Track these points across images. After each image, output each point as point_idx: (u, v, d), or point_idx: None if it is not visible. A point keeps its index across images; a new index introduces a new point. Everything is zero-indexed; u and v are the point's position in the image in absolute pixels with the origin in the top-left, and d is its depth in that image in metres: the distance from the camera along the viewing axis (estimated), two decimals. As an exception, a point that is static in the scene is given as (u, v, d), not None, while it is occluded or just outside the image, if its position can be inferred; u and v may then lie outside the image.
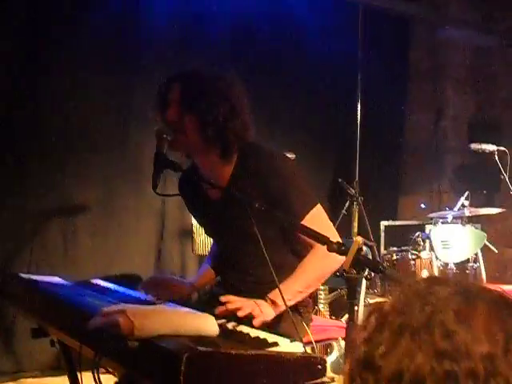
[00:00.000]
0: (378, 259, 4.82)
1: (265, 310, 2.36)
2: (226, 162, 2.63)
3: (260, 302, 2.39)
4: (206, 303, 2.59)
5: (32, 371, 4.68)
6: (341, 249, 1.89)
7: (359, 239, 1.82)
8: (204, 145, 2.56)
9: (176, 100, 2.56)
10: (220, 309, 2.31)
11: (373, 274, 1.96)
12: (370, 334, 0.97)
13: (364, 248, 1.93)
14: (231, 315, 2.30)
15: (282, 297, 2.22)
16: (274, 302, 2.40)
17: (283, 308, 2.36)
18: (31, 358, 4.65)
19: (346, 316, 4.26)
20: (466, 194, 5.18)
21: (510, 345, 0.89)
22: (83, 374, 2.69)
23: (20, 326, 4.52)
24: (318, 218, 2.53)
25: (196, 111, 2.52)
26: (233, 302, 2.35)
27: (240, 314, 2.27)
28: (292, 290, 2.45)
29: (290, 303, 2.39)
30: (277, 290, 2.31)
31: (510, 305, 0.96)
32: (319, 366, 1.92)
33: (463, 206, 5.15)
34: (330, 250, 1.93)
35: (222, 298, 2.37)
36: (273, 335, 2.12)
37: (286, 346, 2.00)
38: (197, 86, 2.55)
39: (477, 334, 0.89)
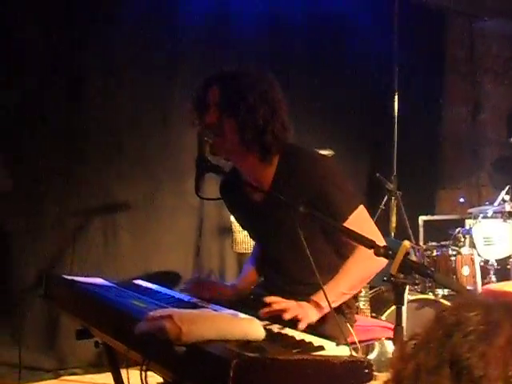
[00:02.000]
0: (423, 261, 4.77)
1: (309, 312, 2.35)
2: (267, 164, 2.62)
3: (304, 303, 2.39)
4: (248, 304, 2.59)
5: (73, 369, 4.73)
6: (388, 253, 1.88)
7: (407, 243, 1.80)
8: (244, 147, 2.56)
9: (215, 103, 2.55)
10: (264, 310, 2.31)
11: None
12: (395, 374, 0.98)
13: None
14: (276, 316, 2.30)
15: (327, 298, 2.21)
16: (318, 304, 2.39)
17: (327, 310, 2.36)
18: (73, 356, 4.70)
19: (387, 313, 4.27)
20: (507, 188, 5.11)
21: None
22: (130, 371, 2.73)
23: (63, 324, 4.58)
24: (361, 219, 2.52)
25: (235, 114, 2.51)
26: (277, 303, 2.34)
27: (286, 316, 2.27)
28: (336, 292, 2.44)
29: (334, 305, 2.38)
30: (321, 291, 2.30)
31: None
32: (366, 370, 1.91)
33: (504, 200, 5.09)
34: (377, 254, 1.92)
35: (267, 299, 2.36)
36: (318, 338, 2.11)
37: (332, 349, 1.99)
38: (235, 89, 2.53)
39: (491, 370, 0.87)
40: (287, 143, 2.61)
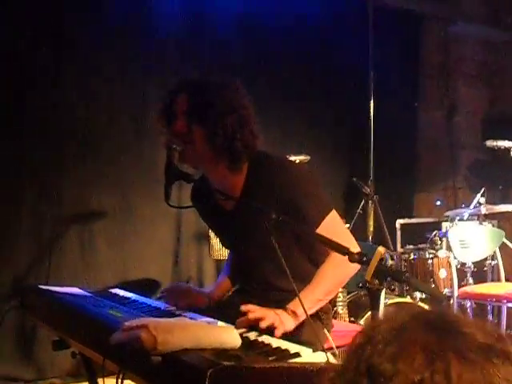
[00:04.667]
0: (397, 264, 4.80)
1: (285, 320, 2.35)
2: (236, 172, 2.61)
3: (280, 311, 2.38)
4: (225, 312, 2.59)
5: (52, 378, 4.70)
6: (362, 259, 1.88)
7: (381, 249, 1.81)
8: (213, 155, 2.55)
9: (183, 111, 2.54)
10: (241, 320, 2.30)
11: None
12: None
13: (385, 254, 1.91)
14: (252, 325, 2.30)
15: (303, 306, 2.22)
16: (294, 312, 2.39)
17: (304, 317, 2.36)
18: (51, 366, 4.67)
19: (365, 318, 4.28)
20: (482, 190, 5.15)
21: (434, 364, 0.88)
22: (106, 380, 2.71)
23: (40, 335, 4.54)
24: (333, 225, 2.51)
25: (204, 122, 2.50)
26: (253, 311, 2.34)
27: (262, 324, 2.27)
28: (312, 299, 2.44)
29: (310, 312, 2.38)
30: (297, 299, 2.30)
31: (439, 322, 0.95)
32: (343, 376, 1.91)
33: (479, 203, 5.12)
34: (351, 260, 1.92)
35: (243, 308, 2.36)
36: (295, 345, 2.12)
37: (308, 356, 2.00)
38: (204, 97, 2.52)
39: (399, 366, 0.89)
40: (256, 150, 2.60)
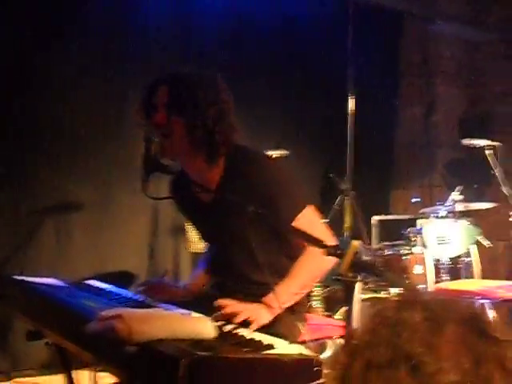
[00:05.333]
0: (372, 259, 4.83)
1: (261, 314, 2.36)
2: (213, 165, 2.62)
3: (256, 305, 2.40)
4: (201, 304, 2.59)
5: (27, 370, 4.68)
6: (337, 252, 1.90)
7: (356, 243, 1.83)
8: (191, 148, 2.56)
9: (163, 104, 2.55)
10: (216, 314, 2.31)
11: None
12: (341, 371, 0.97)
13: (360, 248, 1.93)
14: (228, 320, 2.31)
15: (278, 300, 2.23)
16: (269, 305, 2.41)
17: (279, 311, 2.38)
18: (26, 357, 4.65)
19: (340, 311, 4.32)
20: (458, 188, 5.19)
21: (479, 370, 0.88)
22: (79, 372, 2.72)
23: (15, 326, 4.52)
24: (308, 220, 2.52)
25: (184, 115, 2.52)
26: (229, 306, 2.35)
27: (237, 319, 2.28)
28: (287, 293, 2.46)
29: (286, 305, 2.40)
30: (272, 292, 2.32)
31: (479, 324, 0.94)
32: (316, 368, 1.93)
33: (455, 200, 5.16)
34: (326, 254, 1.94)
35: (217, 303, 2.37)
36: (269, 337, 2.14)
37: (282, 348, 2.01)
38: (184, 89, 2.54)
39: (444, 364, 0.88)
40: (234, 144, 2.62)
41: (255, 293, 2.56)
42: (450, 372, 0.87)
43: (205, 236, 2.99)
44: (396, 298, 1.05)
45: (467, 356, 0.89)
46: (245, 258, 2.61)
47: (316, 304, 4.26)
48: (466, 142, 5.04)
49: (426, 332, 0.92)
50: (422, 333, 0.92)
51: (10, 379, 4.58)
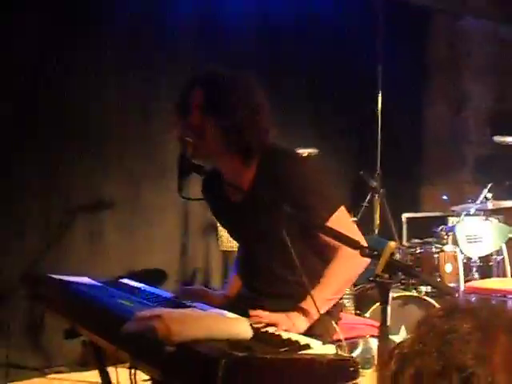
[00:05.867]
0: (406, 259, 4.81)
1: (297, 323, 2.34)
2: (248, 165, 2.62)
3: (291, 314, 2.38)
4: (235, 305, 2.60)
5: (60, 367, 4.74)
6: (373, 254, 1.91)
7: (392, 244, 1.83)
8: (225, 149, 2.57)
9: (198, 105, 2.56)
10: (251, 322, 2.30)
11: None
12: (392, 378, 0.96)
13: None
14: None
15: (316, 307, 2.23)
16: (305, 312, 2.39)
17: (315, 317, 2.37)
18: (59, 354, 4.71)
19: (371, 311, 4.31)
20: (489, 186, 5.16)
21: None
22: (114, 369, 2.75)
23: (48, 323, 4.59)
24: (341, 221, 2.49)
25: (217, 116, 2.52)
26: (263, 317, 2.33)
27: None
28: (322, 299, 2.43)
29: (321, 311, 2.38)
30: (308, 299, 2.31)
31: None
32: (352, 368, 1.94)
33: (486, 198, 5.13)
34: (362, 255, 1.94)
35: (252, 313, 2.35)
36: (304, 337, 2.15)
37: (318, 348, 2.02)
38: (218, 91, 2.55)
39: (496, 376, 0.88)
40: (268, 143, 2.62)
41: (286, 292, 2.57)
42: (504, 380, 0.87)
43: (235, 236, 2.99)
44: (443, 305, 1.04)
45: None
46: (277, 257, 2.60)
47: (347, 302, 4.25)
48: (499, 139, 5.00)
49: (477, 342, 0.91)
50: (473, 343, 0.91)
51: (45, 376, 4.65)
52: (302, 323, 2.37)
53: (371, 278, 1.88)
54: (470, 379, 0.89)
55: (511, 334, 0.93)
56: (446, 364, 0.91)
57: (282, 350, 1.97)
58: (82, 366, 4.69)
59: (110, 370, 2.92)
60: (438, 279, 4.77)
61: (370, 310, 4.34)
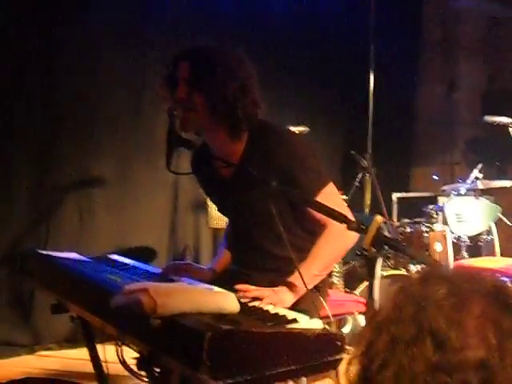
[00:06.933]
0: (395, 235, 4.82)
1: (284, 298, 2.35)
2: (236, 139, 2.62)
3: (278, 289, 2.38)
4: (222, 280, 2.60)
5: (49, 344, 4.74)
6: (360, 228, 1.90)
7: (379, 218, 1.83)
8: (213, 122, 2.56)
9: (185, 78, 2.54)
10: (239, 296, 2.29)
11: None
12: (366, 346, 0.96)
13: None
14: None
15: (303, 281, 2.23)
16: (292, 286, 2.39)
17: (302, 292, 2.37)
18: (48, 331, 4.71)
19: (360, 289, 4.32)
20: (479, 166, 5.16)
21: (505, 344, 0.87)
22: (103, 345, 2.75)
23: (37, 300, 4.58)
24: (330, 197, 2.49)
25: (205, 89, 2.51)
26: (250, 291, 2.34)
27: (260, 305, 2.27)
28: (309, 274, 2.43)
29: (309, 286, 2.38)
30: (296, 273, 2.31)
31: (504, 297, 0.94)
32: (338, 343, 1.95)
33: (476, 178, 5.13)
34: (349, 228, 1.94)
35: (238, 287, 2.36)
36: (292, 312, 2.15)
37: (305, 322, 2.03)
38: (206, 64, 2.53)
39: (469, 339, 0.88)
40: (257, 119, 2.61)
41: (275, 267, 2.58)
42: (476, 347, 0.87)
43: (225, 210, 2.99)
44: (420, 274, 1.03)
45: (492, 331, 0.88)
46: (266, 232, 2.61)
47: (336, 280, 4.26)
48: (489, 119, 4.99)
49: (450, 307, 0.91)
50: (446, 308, 0.91)
51: (33, 353, 4.65)
52: (289, 297, 2.38)
53: (358, 252, 1.87)
54: (444, 343, 0.89)
55: (485, 298, 0.93)
56: (419, 329, 0.91)
57: (269, 323, 1.97)
58: (72, 343, 4.69)
59: (99, 347, 2.93)
60: (429, 257, 4.78)
61: (360, 288, 4.35)
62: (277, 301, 2.30)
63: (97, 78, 4.94)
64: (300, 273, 2.25)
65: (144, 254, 5.00)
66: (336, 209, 2.11)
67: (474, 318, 0.90)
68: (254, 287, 2.37)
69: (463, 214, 4.97)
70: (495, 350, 0.87)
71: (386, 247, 1.85)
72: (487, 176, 5.25)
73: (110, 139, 4.99)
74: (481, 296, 0.93)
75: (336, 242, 2.52)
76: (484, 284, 0.96)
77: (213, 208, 4.70)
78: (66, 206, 4.84)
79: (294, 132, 2.87)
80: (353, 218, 2.23)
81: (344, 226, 1.99)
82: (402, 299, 0.97)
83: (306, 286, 2.25)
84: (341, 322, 3.89)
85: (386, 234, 4.47)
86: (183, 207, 5.34)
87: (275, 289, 2.38)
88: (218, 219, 4.68)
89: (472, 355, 0.87)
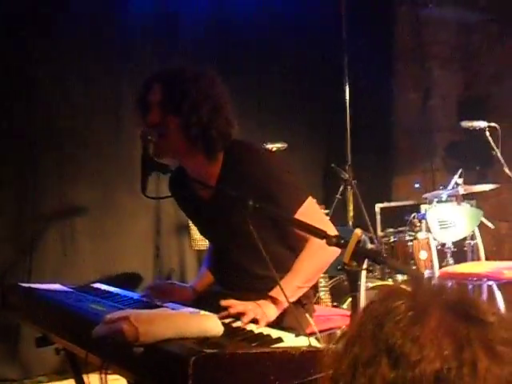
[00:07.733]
0: (377, 247, 4.82)
1: (267, 311, 2.35)
2: (212, 161, 2.59)
3: (262, 302, 2.38)
4: (206, 302, 2.59)
5: (38, 377, 4.69)
6: (340, 242, 1.89)
7: (358, 231, 1.82)
8: (188, 146, 2.53)
9: (157, 102, 2.52)
10: (222, 314, 2.29)
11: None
12: (333, 368, 0.94)
13: (363, 236, 1.92)
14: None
15: (284, 294, 2.21)
16: (275, 300, 2.39)
17: (286, 305, 2.36)
18: (36, 364, 4.66)
19: (348, 303, 4.30)
20: (460, 171, 5.18)
21: (462, 354, 0.85)
22: (90, 376, 2.72)
23: (24, 333, 4.53)
24: (310, 211, 2.49)
25: (179, 112, 2.48)
26: (234, 306, 2.33)
27: (244, 319, 2.25)
28: (292, 287, 2.43)
29: (292, 299, 2.38)
30: (277, 287, 2.30)
31: (465, 307, 0.92)
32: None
33: (457, 184, 5.15)
34: (328, 244, 1.93)
35: (223, 303, 2.35)
36: (277, 331, 2.13)
37: (290, 341, 2.01)
38: (178, 87, 2.51)
39: (425, 352, 0.86)
40: (232, 139, 2.60)
41: (258, 287, 2.55)
42: (432, 360, 0.85)
43: (205, 232, 2.98)
44: (380, 291, 1.01)
45: (449, 341, 0.86)
46: (246, 252, 2.59)
47: (323, 295, 4.25)
48: (466, 124, 5.03)
49: (407, 321, 0.90)
50: (403, 323, 0.89)
51: (21, 387, 4.61)
52: (272, 311, 2.37)
53: (339, 267, 1.86)
54: (399, 359, 0.87)
55: (443, 310, 0.91)
56: (377, 348, 0.89)
57: (254, 344, 1.96)
58: (61, 374, 4.64)
59: (85, 377, 2.89)
60: (414, 267, 4.79)
61: (347, 301, 4.34)
62: (261, 314, 2.30)
63: (76, 107, 4.93)
64: (280, 286, 2.23)
65: (129, 279, 4.97)
66: (315, 225, 2.09)
67: (430, 331, 0.88)
68: (238, 302, 2.36)
69: (446, 220, 4.99)
70: (452, 361, 0.85)
71: (367, 260, 1.84)
72: (468, 181, 5.28)
73: (90, 167, 4.97)
74: (439, 308, 0.91)
75: (317, 255, 2.51)
76: (446, 296, 0.94)
77: (195, 230, 4.69)
78: (49, 235, 4.81)
79: (267, 149, 2.87)
80: (333, 232, 2.22)
81: (324, 240, 1.98)
82: (363, 318, 0.96)
83: (287, 299, 2.23)
84: (330, 338, 3.87)
85: (369, 245, 4.46)
86: (166, 231, 5.32)
87: (259, 302, 2.37)
88: (201, 241, 4.66)
89: (428, 368, 0.85)
